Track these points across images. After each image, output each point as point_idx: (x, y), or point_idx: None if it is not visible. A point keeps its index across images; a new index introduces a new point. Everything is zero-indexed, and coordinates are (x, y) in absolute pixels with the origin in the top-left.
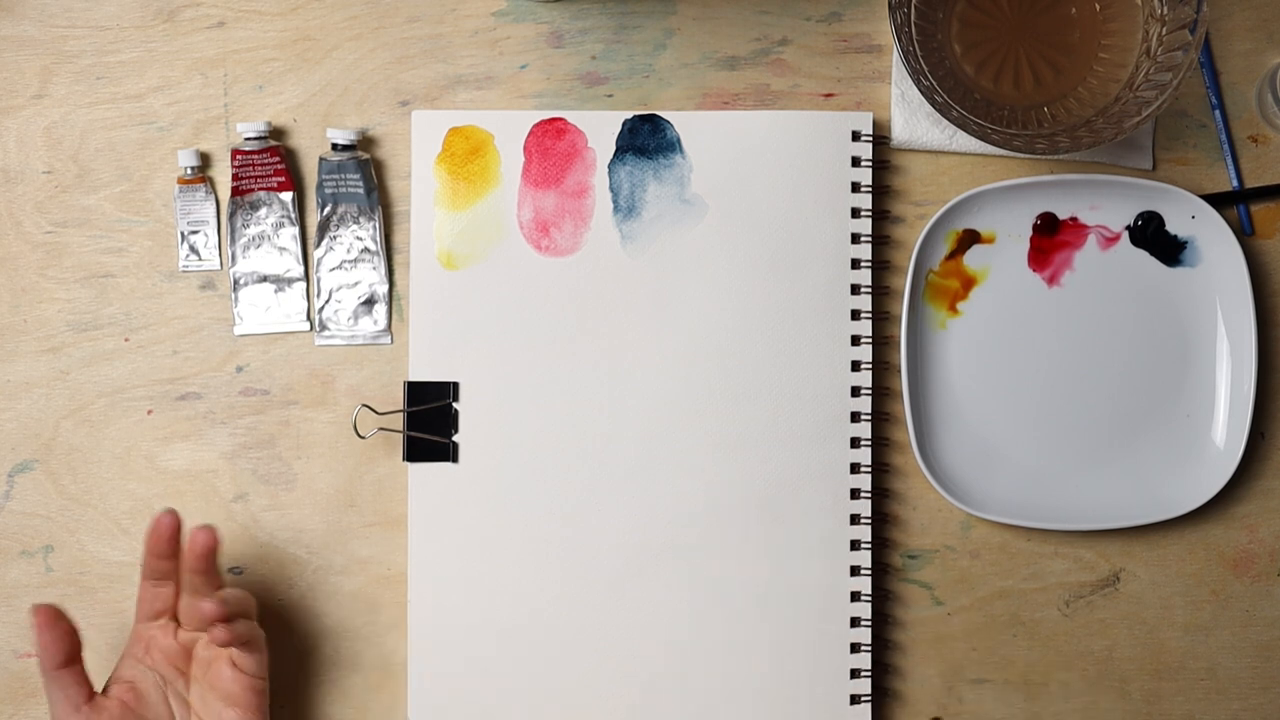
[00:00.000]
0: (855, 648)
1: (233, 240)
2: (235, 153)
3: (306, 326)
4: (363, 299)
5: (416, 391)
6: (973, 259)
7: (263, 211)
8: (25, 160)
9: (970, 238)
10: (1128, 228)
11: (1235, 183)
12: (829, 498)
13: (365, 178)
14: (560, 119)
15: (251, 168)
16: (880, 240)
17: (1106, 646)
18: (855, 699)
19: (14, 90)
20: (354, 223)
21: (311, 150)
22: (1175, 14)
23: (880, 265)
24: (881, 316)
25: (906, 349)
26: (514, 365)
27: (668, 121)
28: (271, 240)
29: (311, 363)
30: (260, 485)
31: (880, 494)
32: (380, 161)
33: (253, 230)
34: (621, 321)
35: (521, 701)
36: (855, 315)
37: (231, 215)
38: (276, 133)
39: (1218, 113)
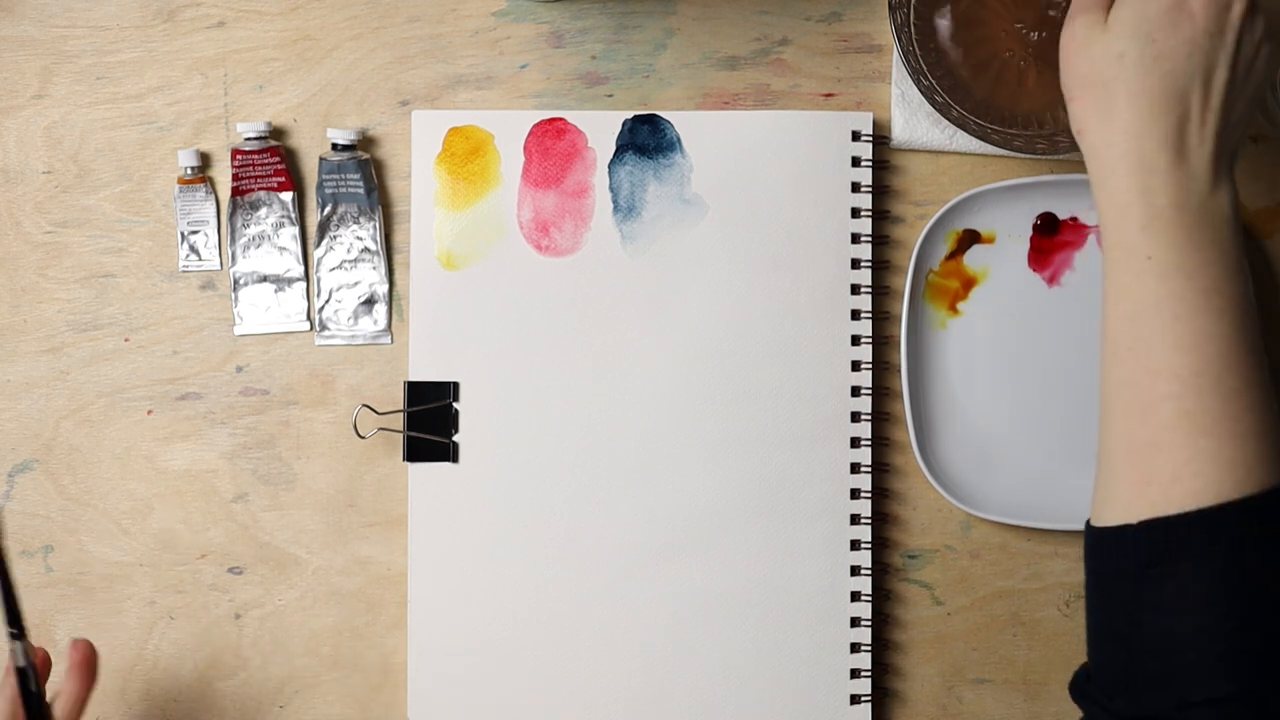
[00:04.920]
0: (855, 648)
1: (233, 240)
2: (235, 153)
3: (306, 326)
4: (363, 299)
5: (416, 391)
6: (973, 259)
7: (263, 211)
8: (25, 160)
9: (970, 238)
10: None
11: None
12: (829, 498)
13: (365, 178)
14: (560, 119)
15: (251, 168)
16: (880, 240)
17: None
18: (855, 699)
19: (14, 90)
20: (354, 223)
21: (311, 150)
22: None
23: (880, 265)
24: (881, 316)
25: (906, 349)
26: (514, 365)
27: (668, 121)
28: (271, 240)
29: (311, 363)
30: (260, 485)
31: (880, 494)
32: (380, 161)
33: (253, 230)
34: (621, 321)
35: (521, 701)
36: (855, 315)
37: (231, 215)
38: (276, 133)
39: None
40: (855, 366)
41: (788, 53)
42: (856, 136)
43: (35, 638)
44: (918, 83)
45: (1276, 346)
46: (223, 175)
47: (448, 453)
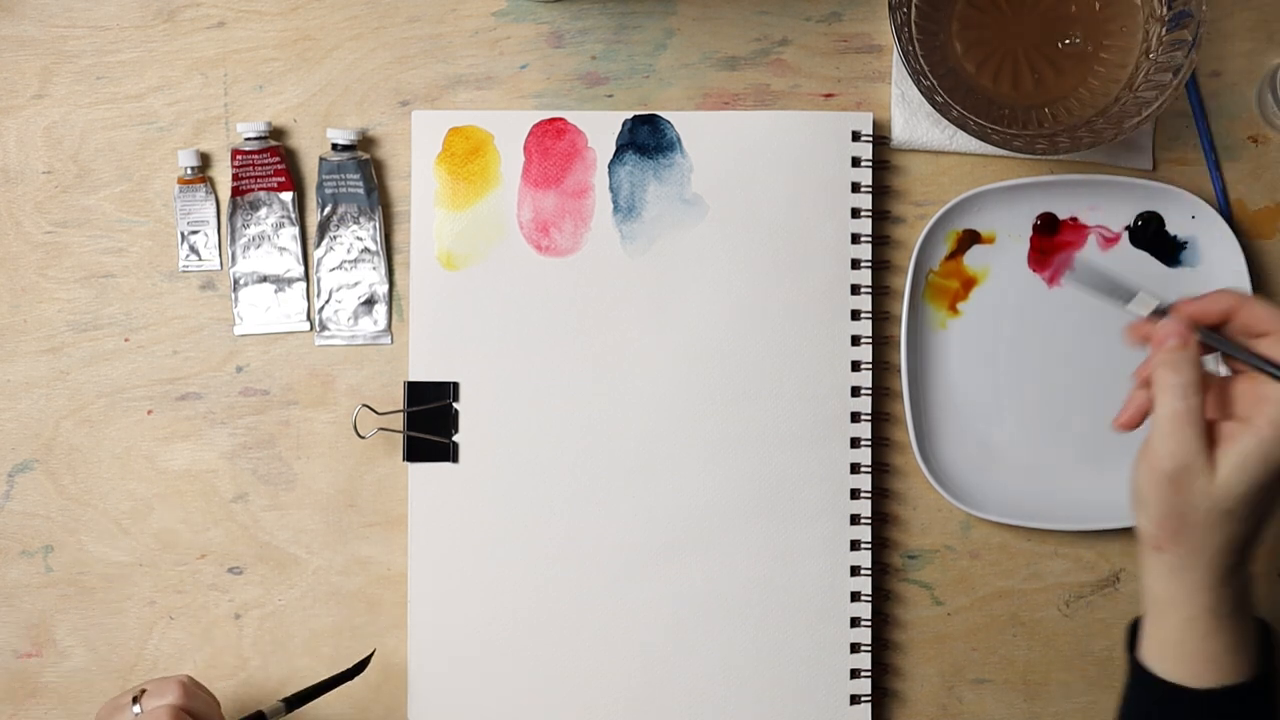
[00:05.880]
0: (855, 648)
1: (233, 240)
2: (235, 153)
3: (306, 326)
4: (363, 299)
5: (416, 391)
6: (973, 259)
7: (263, 211)
8: (25, 160)
9: (970, 238)
10: (1128, 228)
11: (1219, 195)
12: (829, 498)
13: (365, 178)
14: (560, 119)
15: (251, 168)
16: (880, 240)
17: (1106, 646)
18: (855, 699)
19: (14, 90)
20: (354, 223)
21: (311, 150)
22: (1175, 14)
23: (880, 265)
24: (882, 316)
25: (906, 349)
26: (514, 365)
27: (668, 121)
28: (271, 240)
29: (311, 363)
30: (260, 485)
31: (880, 494)
32: (380, 161)
33: (253, 230)
34: (621, 321)
35: (521, 701)
36: (855, 315)
37: (231, 215)
38: (276, 133)
39: (1200, 121)
40: (855, 366)
41: (788, 53)
42: (856, 136)
43: (34, 637)
44: (918, 83)
45: None
46: (223, 175)
47: (448, 453)
